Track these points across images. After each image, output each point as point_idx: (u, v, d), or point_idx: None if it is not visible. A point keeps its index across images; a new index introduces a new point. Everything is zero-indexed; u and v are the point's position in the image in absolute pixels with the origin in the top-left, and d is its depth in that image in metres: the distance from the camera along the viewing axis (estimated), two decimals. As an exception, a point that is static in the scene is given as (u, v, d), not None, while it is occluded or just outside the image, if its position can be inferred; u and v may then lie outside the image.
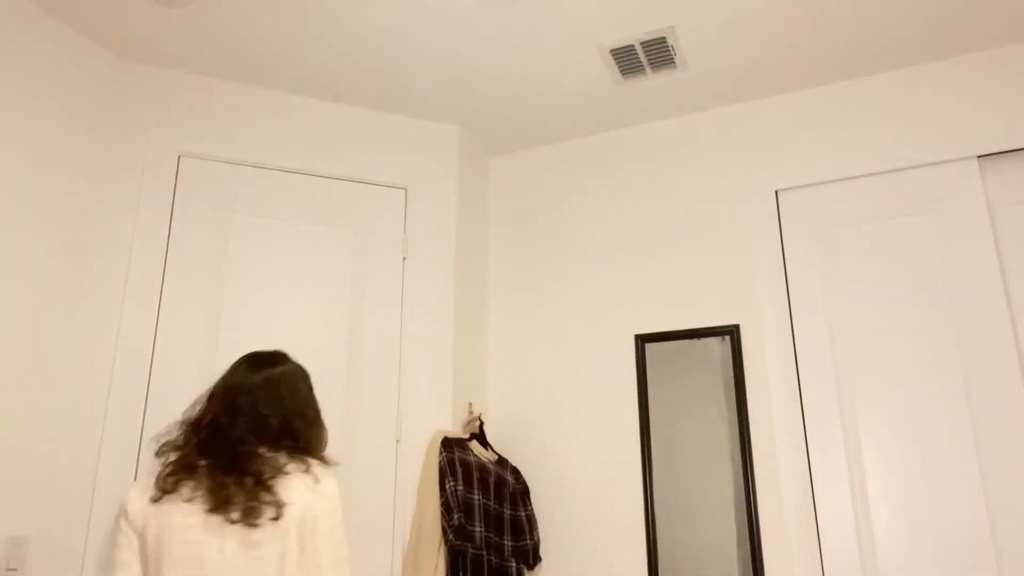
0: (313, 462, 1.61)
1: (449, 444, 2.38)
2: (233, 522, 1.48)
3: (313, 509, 1.53)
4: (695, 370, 2.51)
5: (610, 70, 2.49)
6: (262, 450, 1.57)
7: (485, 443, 2.56)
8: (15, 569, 1.90)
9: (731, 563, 2.31)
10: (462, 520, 2.25)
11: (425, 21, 2.24)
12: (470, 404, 2.67)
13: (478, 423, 2.56)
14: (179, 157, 2.41)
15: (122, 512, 1.57)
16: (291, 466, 1.57)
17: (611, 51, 2.38)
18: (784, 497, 2.28)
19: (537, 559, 2.48)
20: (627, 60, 2.42)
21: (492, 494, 2.41)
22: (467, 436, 2.50)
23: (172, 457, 1.58)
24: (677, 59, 2.42)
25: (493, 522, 2.38)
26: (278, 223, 2.48)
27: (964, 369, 2.20)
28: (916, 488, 2.17)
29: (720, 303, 2.53)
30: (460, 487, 2.29)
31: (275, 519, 1.49)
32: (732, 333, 2.47)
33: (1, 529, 1.89)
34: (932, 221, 2.34)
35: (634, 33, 2.30)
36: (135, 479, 2.11)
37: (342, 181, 2.61)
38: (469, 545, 2.26)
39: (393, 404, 2.47)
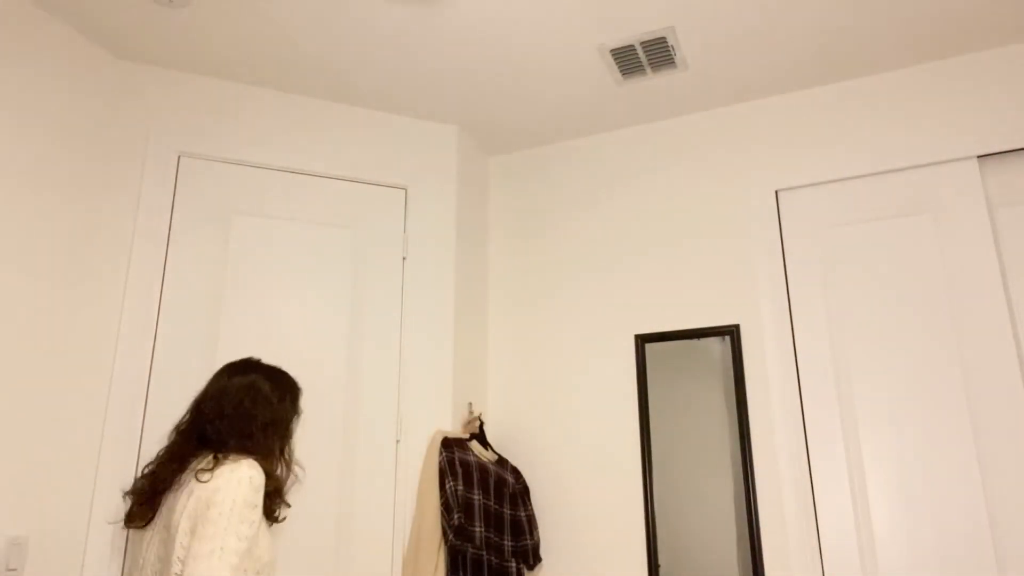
0: (229, 460, 1.62)
1: (449, 444, 2.38)
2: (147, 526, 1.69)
3: (198, 503, 1.55)
4: (695, 370, 2.51)
5: (610, 70, 2.48)
6: (198, 455, 1.68)
7: (485, 443, 2.56)
8: (15, 569, 1.90)
9: (731, 563, 2.31)
10: (462, 520, 2.25)
11: (425, 21, 2.24)
12: (470, 404, 2.67)
13: (478, 423, 2.56)
14: (179, 157, 2.41)
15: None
16: (198, 466, 1.64)
17: (611, 51, 2.38)
18: (784, 497, 2.28)
19: (537, 559, 2.48)
20: (627, 60, 2.42)
21: (492, 494, 2.41)
22: (467, 436, 2.50)
23: None
24: (677, 59, 2.42)
25: (493, 522, 2.38)
26: (278, 223, 2.48)
27: (964, 369, 2.20)
28: (916, 488, 2.17)
29: (720, 303, 2.53)
30: (460, 487, 2.29)
31: (167, 523, 1.61)
32: (732, 333, 2.47)
33: (1, 529, 1.89)
34: (932, 221, 2.34)
35: (634, 33, 2.30)
36: (135, 479, 2.11)
37: (342, 181, 2.61)
38: (469, 545, 2.26)
39: (393, 404, 2.47)
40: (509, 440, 2.74)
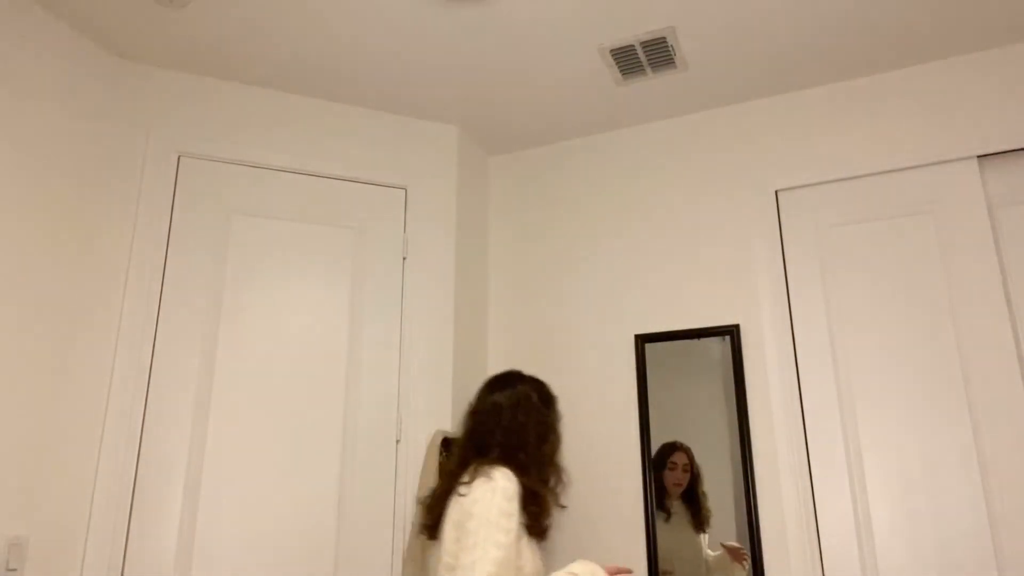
0: (484, 471, 1.71)
1: (449, 444, 2.38)
2: (429, 536, 1.78)
3: (460, 515, 1.67)
4: (695, 370, 2.51)
5: (610, 70, 2.48)
6: (468, 468, 1.77)
7: (485, 443, 2.56)
8: (15, 569, 1.90)
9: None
10: (462, 520, 2.25)
11: (425, 21, 2.24)
12: (470, 404, 2.67)
13: (478, 423, 2.56)
14: (179, 157, 2.41)
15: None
16: (462, 479, 1.73)
17: (611, 51, 2.38)
18: (784, 497, 2.28)
19: (537, 559, 2.48)
20: (627, 60, 2.42)
21: (492, 494, 2.41)
22: (467, 436, 2.50)
23: None
24: (677, 59, 2.42)
25: (493, 522, 2.38)
26: (278, 223, 2.48)
27: (964, 369, 2.20)
28: (916, 488, 2.17)
29: (720, 303, 2.53)
30: (460, 487, 2.29)
31: (430, 536, 1.73)
32: (732, 333, 2.47)
33: (1, 529, 1.89)
34: (932, 221, 2.34)
35: (634, 33, 2.30)
36: (135, 480, 2.12)
37: (342, 181, 2.61)
38: (469, 545, 2.26)
39: (393, 404, 2.47)
40: (509, 440, 2.74)
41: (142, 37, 2.29)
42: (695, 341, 2.53)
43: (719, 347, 2.49)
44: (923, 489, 2.17)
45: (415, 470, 2.40)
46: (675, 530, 2.40)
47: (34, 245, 2.07)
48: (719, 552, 2.33)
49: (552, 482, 1.84)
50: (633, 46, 2.36)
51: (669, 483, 2.45)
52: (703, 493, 2.41)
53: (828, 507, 2.25)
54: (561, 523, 2.56)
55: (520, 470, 1.73)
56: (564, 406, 2.68)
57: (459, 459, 1.82)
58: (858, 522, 2.22)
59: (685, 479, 2.43)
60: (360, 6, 2.16)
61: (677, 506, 2.42)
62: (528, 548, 1.67)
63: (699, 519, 2.39)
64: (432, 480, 2.31)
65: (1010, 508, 2.07)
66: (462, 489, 1.67)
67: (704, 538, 2.36)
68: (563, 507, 1.81)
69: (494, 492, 1.62)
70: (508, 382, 1.93)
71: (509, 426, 1.81)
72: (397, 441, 2.44)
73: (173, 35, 2.29)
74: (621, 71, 2.49)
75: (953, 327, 2.24)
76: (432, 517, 1.75)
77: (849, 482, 2.25)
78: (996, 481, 2.10)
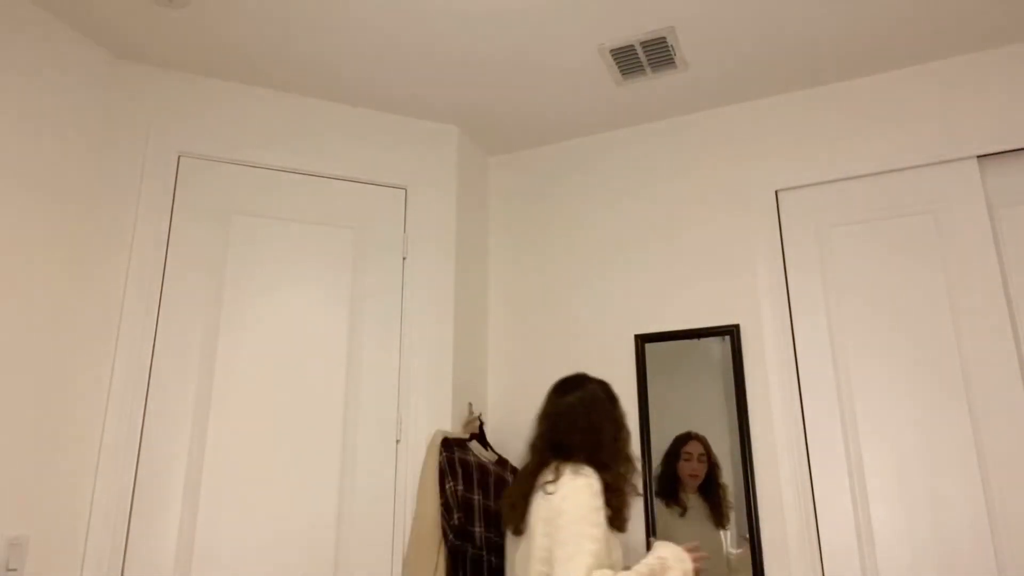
0: (568, 470, 1.79)
1: (449, 444, 2.38)
2: (513, 532, 1.86)
3: (550, 513, 1.74)
4: (695, 370, 2.51)
5: (610, 70, 2.48)
6: (547, 467, 1.84)
7: (485, 443, 2.56)
8: (15, 569, 1.90)
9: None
10: (462, 520, 2.25)
11: (425, 21, 2.24)
12: (470, 404, 2.67)
13: (478, 423, 2.56)
14: (179, 157, 2.41)
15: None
16: (544, 478, 1.81)
17: (611, 51, 2.38)
18: (784, 497, 2.28)
19: (537, 559, 2.48)
20: (627, 60, 2.42)
21: (492, 494, 2.41)
22: (467, 436, 2.50)
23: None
24: (677, 59, 2.42)
25: (493, 522, 2.38)
26: (278, 223, 2.48)
27: (964, 369, 2.20)
28: (916, 488, 2.17)
29: (720, 303, 2.53)
30: (460, 487, 2.29)
31: (526, 529, 1.79)
32: (732, 333, 2.47)
33: (1, 529, 1.89)
34: (932, 221, 2.34)
35: (634, 33, 2.30)
36: (135, 479, 2.12)
37: (342, 181, 2.61)
38: (469, 545, 2.26)
39: (393, 404, 2.47)
40: (509, 440, 2.73)
41: (142, 37, 2.29)
42: (695, 341, 2.53)
43: (719, 347, 2.49)
44: (923, 489, 2.17)
45: (415, 470, 2.40)
46: (691, 525, 2.35)
47: (34, 245, 2.07)
48: (742, 549, 2.26)
49: (629, 474, 1.93)
50: (633, 46, 2.36)
51: (684, 474, 2.39)
52: (723, 485, 2.33)
53: (828, 507, 2.25)
54: (561, 523, 2.56)
55: (600, 466, 1.83)
56: (564, 406, 2.68)
57: (537, 460, 1.90)
58: (858, 522, 2.22)
59: (701, 470, 2.38)
60: (360, 7, 2.16)
61: (694, 500, 2.36)
62: (612, 539, 1.79)
63: (719, 513, 2.32)
64: (432, 480, 2.31)
65: (1010, 508, 2.07)
66: (549, 488, 1.76)
67: (725, 534, 2.30)
68: (639, 495, 1.90)
69: (582, 489, 1.72)
70: (577, 384, 1.99)
71: (586, 426, 1.89)
72: (397, 441, 2.44)
73: (173, 35, 2.29)
74: (621, 71, 2.49)
75: (953, 327, 2.24)
76: (516, 515, 1.84)
77: (849, 482, 2.25)
78: (996, 481, 2.10)
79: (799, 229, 2.51)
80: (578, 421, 1.90)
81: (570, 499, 1.72)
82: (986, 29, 2.28)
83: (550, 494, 1.75)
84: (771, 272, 2.48)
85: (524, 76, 2.53)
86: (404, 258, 2.63)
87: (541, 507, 1.77)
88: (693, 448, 2.41)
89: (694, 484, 2.38)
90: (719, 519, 2.32)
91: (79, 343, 2.15)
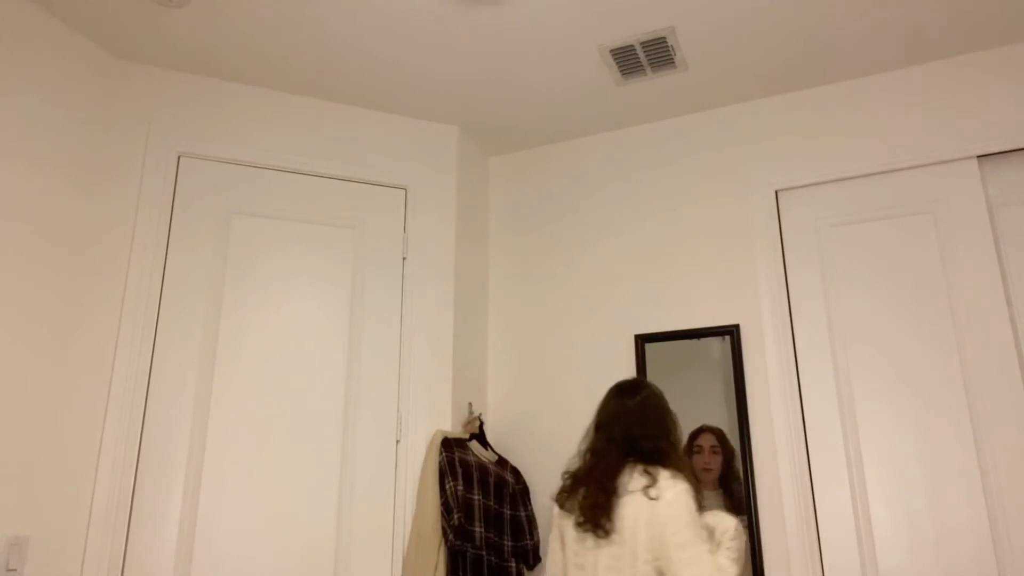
0: (662, 474, 1.80)
1: (449, 444, 2.38)
2: (595, 534, 1.81)
3: (656, 517, 1.74)
4: (695, 370, 2.51)
5: (610, 70, 2.48)
6: (624, 470, 1.84)
7: (485, 443, 2.56)
8: (15, 569, 1.90)
9: (731, 563, 2.30)
10: (462, 520, 2.25)
11: (425, 21, 2.24)
12: (470, 404, 2.67)
13: (478, 423, 2.56)
14: (179, 157, 2.41)
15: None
16: (638, 481, 1.80)
17: (611, 51, 2.38)
18: (784, 497, 2.28)
19: (537, 559, 2.48)
20: (627, 60, 2.42)
21: (492, 494, 2.41)
22: (467, 436, 2.50)
23: (567, 481, 1.95)
24: (677, 59, 2.42)
25: (493, 522, 2.38)
26: (278, 223, 2.48)
27: (964, 369, 2.20)
28: (916, 488, 2.17)
29: (720, 303, 2.53)
30: (460, 487, 2.29)
31: (615, 531, 1.77)
32: (732, 333, 2.47)
33: (1, 529, 1.89)
34: (932, 221, 2.34)
35: (634, 33, 2.30)
36: (135, 479, 2.12)
37: (342, 181, 2.61)
38: (469, 545, 2.26)
39: (393, 404, 2.47)
40: (509, 440, 2.74)
41: (142, 37, 2.29)
42: (695, 341, 2.53)
43: (719, 347, 2.49)
44: (923, 489, 2.17)
45: (415, 470, 2.40)
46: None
47: (34, 245, 2.07)
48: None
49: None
50: (633, 46, 2.36)
51: (698, 468, 2.36)
52: (737, 477, 2.30)
53: (828, 507, 2.25)
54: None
55: (680, 467, 1.86)
56: (563, 405, 2.68)
57: (611, 463, 1.88)
58: (858, 522, 2.22)
59: (715, 462, 2.35)
60: (360, 6, 2.16)
61: (710, 496, 2.32)
62: None
63: (738, 507, 2.27)
64: (432, 480, 2.31)
65: (1010, 508, 2.07)
66: (652, 492, 1.77)
67: None
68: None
69: (685, 493, 1.77)
70: (641, 385, 2.00)
71: (661, 429, 1.90)
72: (397, 441, 2.44)
73: (173, 35, 2.29)
74: (621, 71, 2.49)
75: (953, 327, 2.24)
76: (601, 515, 1.82)
77: (849, 482, 2.25)
78: (996, 481, 2.10)
79: (799, 229, 2.51)
80: (653, 424, 1.90)
81: (677, 504, 1.75)
82: (986, 29, 2.28)
83: (654, 499, 1.76)
84: (771, 272, 2.48)
85: (524, 76, 2.53)
86: (404, 258, 2.63)
87: (641, 511, 1.77)
88: (705, 440, 2.38)
89: (709, 478, 2.35)
90: (737, 512, 2.26)
91: (79, 343, 2.15)
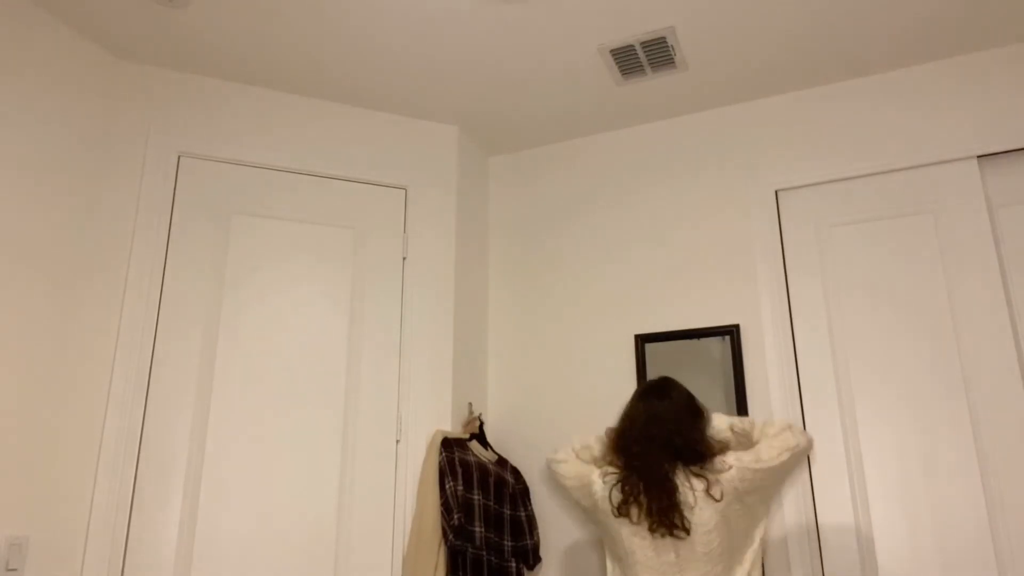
0: (705, 471, 1.81)
1: (449, 444, 2.38)
2: (663, 535, 1.80)
3: (716, 516, 1.77)
4: (695, 370, 2.50)
5: (610, 70, 2.49)
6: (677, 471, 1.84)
7: (485, 443, 2.56)
8: (15, 569, 1.90)
9: (731, 563, 2.30)
10: (462, 520, 2.25)
11: (425, 21, 2.24)
12: (470, 404, 2.67)
13: (478, 423, 2.56)
14: (179, 157, 2.41)
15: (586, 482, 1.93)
16: (697, 484, 1.81)
17: (611, 51, 2.38)
18: (784, 497, 2.28)
19: (537, 559, 2.48)
20: (627, 60, 2.42)
21: (492, 494, 2.41)
22: (467, 436, 2.50)
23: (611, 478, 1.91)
24: (677, 59, 2.42)
25: (493, 522, 2.38)
26: (278, 223, 2.48)
27: (964, 369, 2.20)
28: (916, 488, 2.17)
29: (720, 303, 2.53)
30: (460, 487, 2.29)
31: (687, 532, 1.78)
32: (732, 333, 2.47)
33: (1, 529, 1.89)
34: (932, 221, 2.34)
35: (634, 33, 2.30)
36: (135, 480, 2.12)
37: (342, 181, 2.61)
38: (469, 545, 2.26)
39: (393, 404, 2.47)
40: (509, 440, 2.74)
41: (142, 37, 2.29)
42: (695, 341, 2.53)
43: (719, 347, 2.49)
44: (923, 489, 2.17)
45: (415, 470, 2.40)
46: None
47: (35, 245, 2.07)
48: None
49: None
50: (633, 46, 2.36)
51: None
52: None
53: (828, 507, 2.25)
54: (559, 522, 2.56)
55: (716, 454, 1.88)
56: (563, 406, 2.68)
57: (656, 465, 1.84)
58: (858, 521, 2.22)
59: None
60: (361, 6, 2.16)
61: None
62: None
63: None
64: (432, 480, 2.31)
65: (1010, 508, 2.07)
66: (715, 492, 1.78)
67: None
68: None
69: (735, 468, 1.81)
70: (671, 386, 1.98)
71: (697, 429, 1.90)
72: (397, 441, 2.44)
73: (173, 35, 2.29)
74: (621, 71, 2.49)
75: (953, 327, 2.24)
76: (677, 517, 1.81)
77: (849, 482, 2.25)
78: (996, 481, 2.10)
79: (799, 229, 2.51)
80: (685, 424, 1.89)
81: (740, 468, 1.79)
82: (986, 29, 2.28)
83: (717, 500, 1.77)
84: (771, 272, 2.48)
85: (524, 76, 2.53)
86: (404, 258, 2.63)
87: (705, 512, 1.77)
88: None
89: None
90: None
91: (79, 343, 2.15)
